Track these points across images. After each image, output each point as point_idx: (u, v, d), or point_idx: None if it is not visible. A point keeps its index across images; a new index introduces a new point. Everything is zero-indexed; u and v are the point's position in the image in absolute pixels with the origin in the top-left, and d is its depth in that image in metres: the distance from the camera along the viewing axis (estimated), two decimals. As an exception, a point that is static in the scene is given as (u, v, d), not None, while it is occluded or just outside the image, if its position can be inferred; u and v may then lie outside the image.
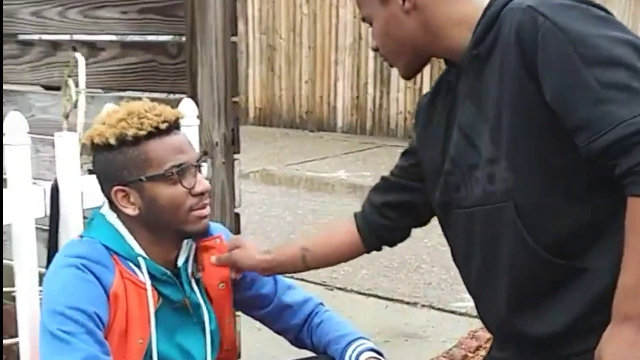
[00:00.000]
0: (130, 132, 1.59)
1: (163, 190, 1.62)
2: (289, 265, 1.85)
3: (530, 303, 1.45)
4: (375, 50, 1.57)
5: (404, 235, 1.81)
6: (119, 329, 1.61)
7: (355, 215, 1.82)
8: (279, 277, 1.95)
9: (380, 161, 8.74)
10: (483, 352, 3.55)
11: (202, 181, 1.66)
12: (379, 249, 1.84)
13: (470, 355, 3.50)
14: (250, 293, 1.90)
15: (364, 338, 1.88)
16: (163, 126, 1.60)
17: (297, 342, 1.96)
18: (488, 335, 3.69)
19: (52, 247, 1.97)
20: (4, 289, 2.78)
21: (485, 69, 1.40)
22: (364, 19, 1.55)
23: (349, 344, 1.85)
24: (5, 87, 3.04)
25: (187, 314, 1.75)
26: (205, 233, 1.73)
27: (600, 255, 1.36)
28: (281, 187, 7.47)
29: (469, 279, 1.58)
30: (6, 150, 1.87)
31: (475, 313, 3.90)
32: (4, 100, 3.04)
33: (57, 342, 1.52)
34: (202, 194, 1.65)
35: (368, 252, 1.84)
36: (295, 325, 1.94)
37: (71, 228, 1.95)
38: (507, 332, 1.52)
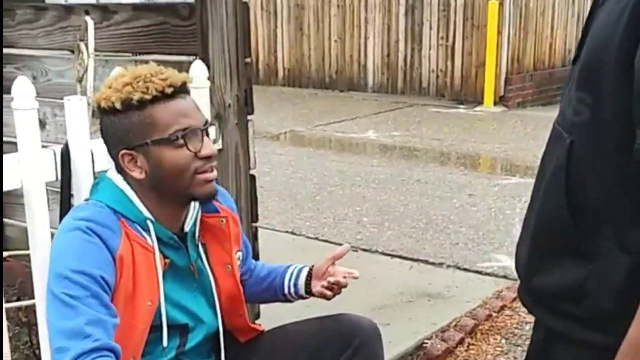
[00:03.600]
0: (136, 96, 1.58)
1: (168, 153, 1.61)
2: None
3: (543, 257, 1.41)
4: None
5: None
6: (125, 291, 1.61)
7: None
8: (247, 240, 2.01)
9: (411, 121, 8.67)
10: (508, 312, 3.53)
11: (208, 145, 1.65)
12: None
13: (494, 314, 3.47)
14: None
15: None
16: (168, 90, 1.59)
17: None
18: (513, 295, 3.67)
19: (64, 209, 1.98)
20: (21, 252, 2.83)
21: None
22: None
23: (286, 269, 1.99)
24: (21, 51, 3.05)
25: (192, 279, 1.76)
26: (212, 196, 1.71)
27: (608, 244, 1.30)
28: (309, 148, 7.46)
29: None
30: (15, 115, 1.88)
31: (502, 273, 3.93)
32: (20, 65, 3.06)
33: (62, 306, 1.52)
34: (208, 157, 1.64)
35: None
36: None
37: (83, 190, 1.95)
38: (524, 284, 1.48)
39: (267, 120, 8.31)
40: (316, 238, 4.57)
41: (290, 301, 2.01)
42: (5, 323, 1.77)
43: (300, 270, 1.96)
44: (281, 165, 6.40)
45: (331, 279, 1.86)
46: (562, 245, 1.37)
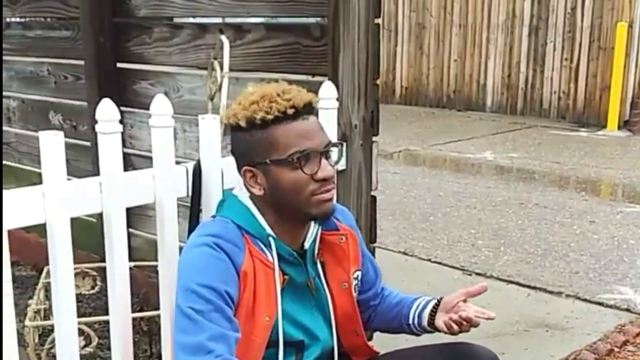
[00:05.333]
0: (259, 115, 1.62)
1: (286, 174, 1.64)
2: None
3: None
4: None
5: None
6: (246, 306, 1.65)
7: None
8: (376, 265, 2.01)
9: (530, 142, 8.48)
10: (631, 348, 3.38)
11: (325, 167, 1.66)
12: None
13: (616, 350, 3.33)
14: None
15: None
16: (290, 111, 1.62)
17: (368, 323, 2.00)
18: (637, 329, 3.52)
19: (192, 224, 2.04)
20: (148, 262, 2.94)
21: None
22: None
23: (414, 300, 1.95)
24: (155, 68, 3.18)
25: (309, 296, 1.78)
26: (329, 216, 1.72)
27: None
28: (424, 167, 7.40)
29: None
30: (152, 132, 1.95)
31: (624, 306, 3.78)
32: (154, 81, 3.19)
33: (186, 320, 1.57)
34: (324, 180, 1.66)
35: None
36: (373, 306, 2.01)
37: (212, 206, 2.00)
38: None
39: (383, 138, 8.25)
40: (429, 260, 4.52)
41: (415, 334, 1.97)
42: (5, 324, 1.76)
43: (428, 302, 1.92)
44: (395, 184, 6.39)
45: (463, 314, 1.78)
46: None
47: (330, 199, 1.70)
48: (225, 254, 1.62)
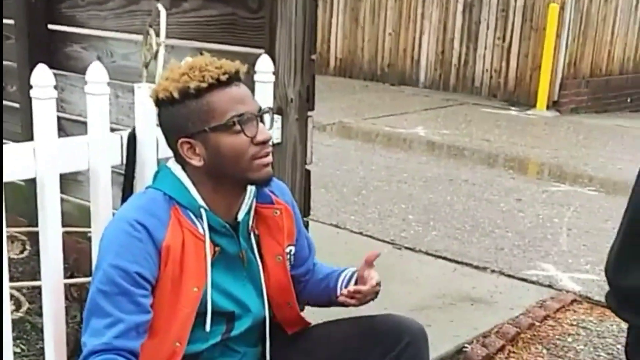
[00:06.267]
0: (193, 84, 1.63)
1: (226, 139, 1.65)
2: None
3: (632, 256, 1.40)
4: None
5: None
6: (172, 277, 1.67)
7: None
8: (312, 241, 2.03)
9: (462, 119, 8.62)
10: (551, 322, 3.50)
11: (263, 131, 1.69)
12: None
13: (537, 324, 3.45)
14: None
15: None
16: (223, 78, 1.64)
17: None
18: (557, 305, 3.65)
19: (126, 193, 2.03)
20: (83, 229, 2.89)
21: None
22: None
23: (340, 273, 1.99)
24: (88, 32, 3.10)
25: (241, 268, 1.80)
26: (269, 180, 1.75)
27: None
28: (357, 141, 7.46)
29: None
30: (88, 99, 1.93)
31: (546, 282, 3.91)
32: (86, 45, 3.12)
33: (93, 301, 1.63)
34: (264, 142, 1.69)
35: None
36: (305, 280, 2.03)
37: (146, 175, 2.00)
38: (611, 285, 1.47)
39: (317, 110, 8.29)
40: (360, 233, 4.57)
41: (345, 306, 1.98)
42: (5, 323, 1.83)
43: (353, 274, 1.95)
44: (328, 156, 6.42)
45: (351, 288, 1.85)
46: None
47: (270, 164, 1.72)
48: (146, 230, 1.64)
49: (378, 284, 1.86)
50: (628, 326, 1.50)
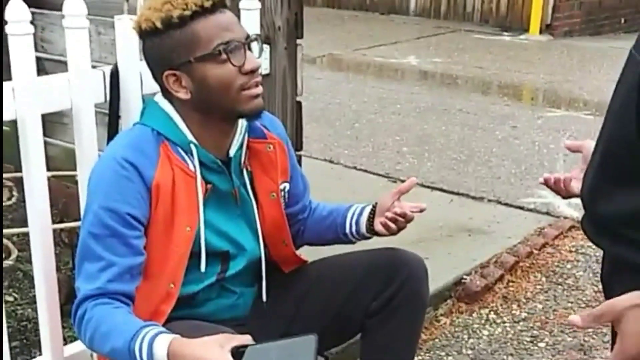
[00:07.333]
0: (176, 13, 1.55)
1: (212, 69, 1.58)
2: None
3: (609, 181, 1.34)
4: None
5: None
6: (163, 218, 1.62)
7: None
8: (306, 178, 1.98)
9: (454, 47, 8.49)
10: (549, 250, 3.48)
11: (251, 59, 1.61)
12: None
13: (535, 252, 3.43)
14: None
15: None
16: (207, 4, 1.57)
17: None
18: (556, 232, 3.62)
19: (112, 131, 1.96)
20: (70, 172, 2.83)
21: None
22: None
23: (348, 208, 1.93)
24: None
25: (234, 206, 1.74)
26: (259, 112, 1.67)
27: None
28: (348, 73, 7.34)
29: None
30: (67, 34, 1.84)
31: (544, 209, 3.87)
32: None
33: (85, 245, 1.59)
34: (252, 72, 1.61)
35: None
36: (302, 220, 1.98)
37: (131, 113, 1.93)
38: (587, 211, 1.42)
39: (306, 42, 8.15)
40: (354, 167, 4.52)
41: (352, 242, 1.96)
42: (5, 323, 1.81)
43: (363, 209, 1.90)
44: (319, 89, 6.31)
45: (397, 210, 1.78)
46: (629, 169, 1.31)
47: (260, 95, 1.65)
48: (135, 169, 1.58)
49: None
50: (603, 253, 1.46)
